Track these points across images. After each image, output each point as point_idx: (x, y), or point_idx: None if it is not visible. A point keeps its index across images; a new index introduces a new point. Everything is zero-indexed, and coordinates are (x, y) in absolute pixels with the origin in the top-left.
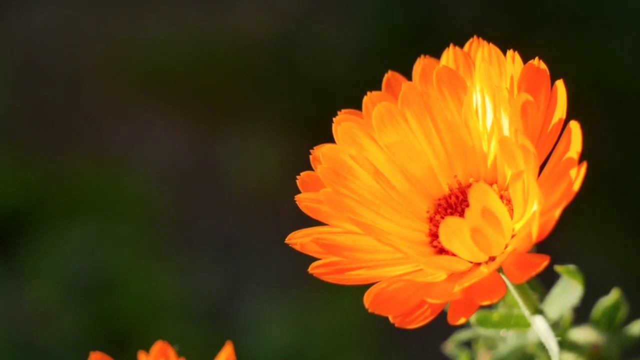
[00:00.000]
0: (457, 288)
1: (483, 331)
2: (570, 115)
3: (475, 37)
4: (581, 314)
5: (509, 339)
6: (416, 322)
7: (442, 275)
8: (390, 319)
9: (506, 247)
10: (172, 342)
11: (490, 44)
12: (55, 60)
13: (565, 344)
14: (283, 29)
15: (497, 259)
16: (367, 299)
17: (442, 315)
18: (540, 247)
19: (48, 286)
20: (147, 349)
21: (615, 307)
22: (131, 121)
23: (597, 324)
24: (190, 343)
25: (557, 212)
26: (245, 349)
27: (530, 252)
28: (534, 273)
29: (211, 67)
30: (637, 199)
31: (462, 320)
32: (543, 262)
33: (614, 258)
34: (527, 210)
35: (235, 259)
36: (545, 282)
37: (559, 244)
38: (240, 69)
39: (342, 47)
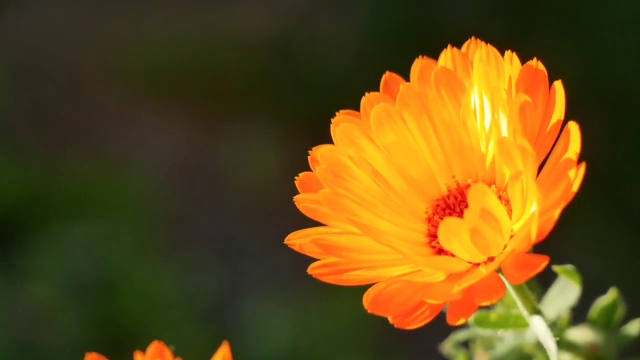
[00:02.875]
0: (456, 288)
1: (481, 331)
2: (570, 116)
3: (473, 38)
4: (580, 314)
5: (507, 339)
6: (415, 323)
7: (441, 276)
8: (390, 320)
9: (505, 247)
10: (171, 342)
11: (488, 44)
12: (55, 60)
13: (562, 344)
14: (283, 29)
15: (496, 260)
16: (367, 300)
17: (443, 316)
18: (540, 248)
19: (48, 286)
20: (146, 348)
21: (612, 307)
22: (131, 121)
23: (594, 324)
24: (189, 343)
25: (556, 213)
26: (245, 349)
27: (528, 252)
28: (533, 274)
29: (211, 67)
30: (637, 199)
31: (461, 321)
32: (542, 262)
33: (614, 258)
34: (526, 210)
35: (235, 258)
36: (543, 282)
37: (559, 245)
38: (240, 69)
39: (342, 47)
